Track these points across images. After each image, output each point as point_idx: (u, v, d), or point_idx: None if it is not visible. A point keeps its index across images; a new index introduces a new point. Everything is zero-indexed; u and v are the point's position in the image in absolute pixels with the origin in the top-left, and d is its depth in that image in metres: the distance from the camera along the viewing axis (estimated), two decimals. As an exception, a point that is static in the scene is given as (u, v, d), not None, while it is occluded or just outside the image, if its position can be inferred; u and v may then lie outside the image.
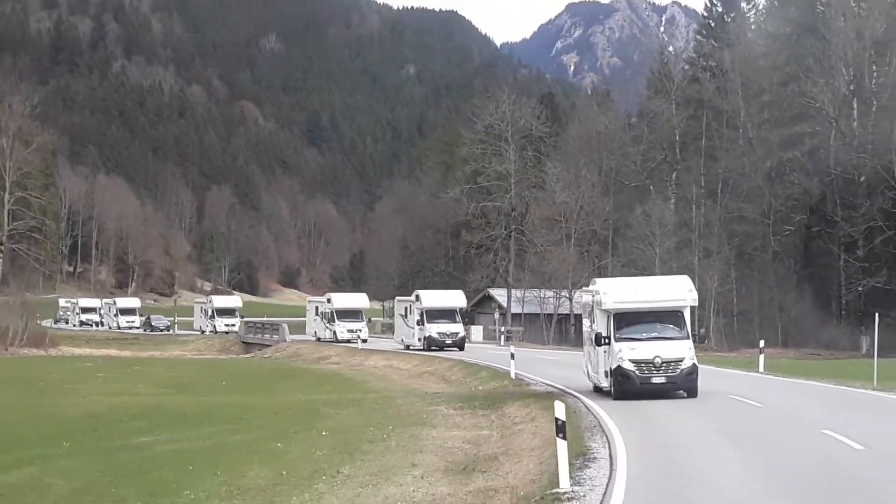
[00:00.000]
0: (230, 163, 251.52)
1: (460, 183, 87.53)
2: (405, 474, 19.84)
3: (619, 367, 27.32)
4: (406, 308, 59.98)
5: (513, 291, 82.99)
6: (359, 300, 71.49)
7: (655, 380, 27.23)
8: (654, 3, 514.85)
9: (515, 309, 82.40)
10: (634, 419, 23.52)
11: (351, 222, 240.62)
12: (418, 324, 57.55)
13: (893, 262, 67.18)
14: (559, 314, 77.91)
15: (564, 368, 40.34)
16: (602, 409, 24.97)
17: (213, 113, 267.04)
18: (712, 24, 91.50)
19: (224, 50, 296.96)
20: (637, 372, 27.20)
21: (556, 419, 16.40)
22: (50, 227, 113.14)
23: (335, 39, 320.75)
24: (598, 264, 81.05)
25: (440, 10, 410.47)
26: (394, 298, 68.19)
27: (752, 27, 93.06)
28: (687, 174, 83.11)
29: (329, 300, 69.95)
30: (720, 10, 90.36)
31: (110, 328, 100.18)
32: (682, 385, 27.53)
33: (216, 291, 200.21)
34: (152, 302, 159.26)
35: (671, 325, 28.48)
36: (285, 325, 74.29)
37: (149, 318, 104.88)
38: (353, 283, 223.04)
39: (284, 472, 20.01)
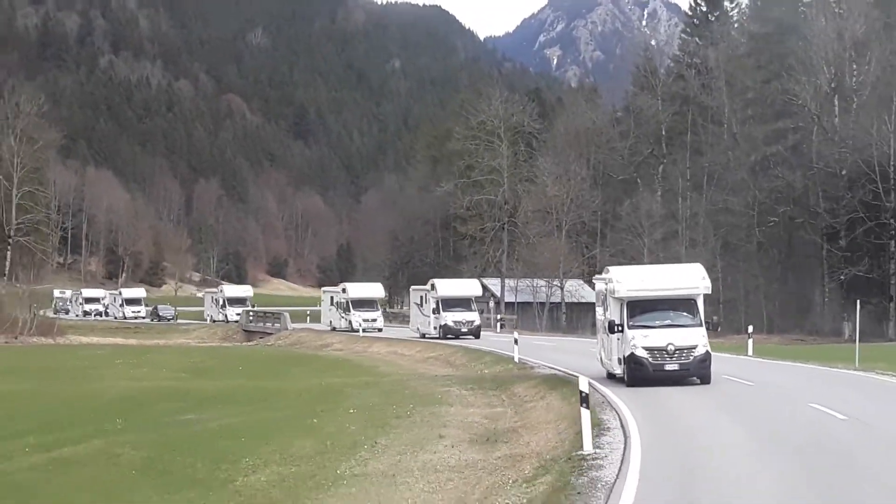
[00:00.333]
0: (218, 156, 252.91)
1: (454, 177, 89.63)
2: (436, 444, 22.04)
3: (632, 354, 27.50)
4: (421, 297, 60.06)
5: (506, 281, 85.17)
6: (374, 290, 71.13)
7: (668, 367, 27.41)
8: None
9: (508, 298, 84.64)
10: (639, 396, 25.63)
11: (338, 214, 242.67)
12: (434, 312, 57.42)
13: (874, 251, 69.44)
14: (551, 302, 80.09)
15: (564, 354, 42.61)
16: (607, 389, 27.09)
17: (200, 107, 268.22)
18: (696, 23, 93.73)
19: (211, 45, 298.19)
20: (650, 359, 27.37)
21: (581, 391, 18.50)
22: (54, 221, 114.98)
23: (320, 34, 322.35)
24: (588, 255, 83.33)
25: (424, 4, 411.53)
26: (409, 288, 68.34)
27: (736, 26, 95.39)
28: (673, 167, 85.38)
29: (344, 290, 69.85)
30: (704, 9, 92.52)
31: (116, 318, 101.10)
32: (695, 372, 27.70)
33: (205, 282, 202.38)
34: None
35: (684, 313, 28.59)
36: (287, 314, 76.06)
37: (156, 308, 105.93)
38: (340, 274, 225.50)
39: (328, 443, 22.19)
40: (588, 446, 17.83)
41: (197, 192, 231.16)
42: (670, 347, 27.40)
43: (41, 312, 77.08)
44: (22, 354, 56.17)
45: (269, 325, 75.93)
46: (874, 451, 17.34)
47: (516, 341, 40.56)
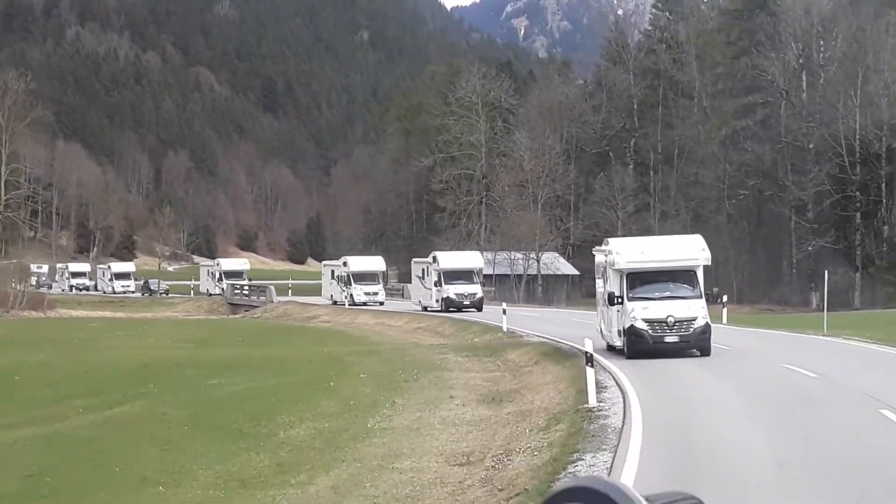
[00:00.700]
0: (186, 129, 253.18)
1: (430, 152, 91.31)
2: (448, 403, 24.24)
3: (632, 326, 27.35)
4: (423, 269, 59.68)
5: (484, 254, 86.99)
6: (375, 263, 70.71)
7: (668, 339, 27.33)
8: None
9: (486, 270, 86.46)
10: (618, 352, 28.01)
11: (307, 187, 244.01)
12: (436, 285, 56.90)
13: (840, 223, 72.00)
14: (528, 275, 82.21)
15: (547, 324, 44.70)
16: (598, 354, 29.26)
17: (168, 79, 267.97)
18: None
19: (178, 17, 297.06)
20: (650, 331, 27.26)
21: (586, 353, 20.73)
22: (45, 196, 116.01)
23: (288, 5, 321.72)
24: (562, 227, 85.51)
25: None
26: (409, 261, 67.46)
27: (705, 0, 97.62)
28: (645, 141, 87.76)
29: (345, 263, 69.03)
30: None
31: (105, 292, 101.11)
32: (695, 344, 27.66)
33: (175, 256, 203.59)
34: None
35: (684, 285, 28.49)
36: (272, 287, 77.54)
37: (146, 282, 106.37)
38: (310, 248, 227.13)
39: (351, 402, 24.37)
40: (593, 400, 20.05)
41: (166, 166, 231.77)
42: (670, 319, 27.31)
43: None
44: (19, 327, 57.79)
45: (254, 297, 77.39)
46: (836, 398, 19.96)
47: (504, 311, 42.44)
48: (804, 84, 75.65)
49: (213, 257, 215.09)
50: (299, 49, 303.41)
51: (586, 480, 1.71)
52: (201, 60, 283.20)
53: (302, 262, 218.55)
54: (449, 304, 55.91)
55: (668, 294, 28.15)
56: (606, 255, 29.32)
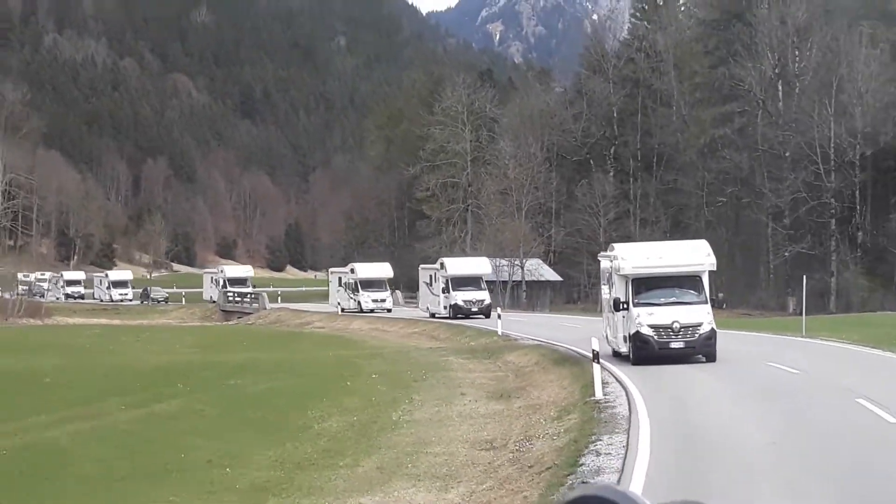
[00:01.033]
0: (165, 135, 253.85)
1: (414, 160, 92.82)
2: (461, 399, 26.26)
3: (637, 332, 27.25)
4: (431, 276, 59.34)
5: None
6: (383, 270, 69.87)
7: (674, 345, 27.28)
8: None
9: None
10: (623, 358, 29.95)
11: (286, 194, 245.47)
12: (443, 292, 56.60)
13: (816, 229, 73.98)
14: (513, 281, 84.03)
15: (538, 328, 46.63)
16: (602, 359, 31.23)
17: (146, 86, 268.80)
18: (646, 7, 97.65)
19: (155, 23, 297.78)
20: (656, 337, 27.21)
21: (593, 350, 22.79)
22: (40, 207, 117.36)
23: (265, 12, 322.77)
24: (545, 234, 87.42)
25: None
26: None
27: (683, 9, 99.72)
28: (624, 149, 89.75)
29: (353, 270, 68.69)
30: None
31: (101, 301, 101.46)
32: (701, 350, 27.55)
33: (155, 264, 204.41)
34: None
35: (689, 290, 28.41)
36: (265, 294, 79.09)
37: (146, 290, 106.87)
38: (289, 255, 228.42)
39: (372, 399, 26.35)
40: (599, 394, 22.11)
41: (145, 173, 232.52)
42: (676, 325, 27.27)
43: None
44: (20, 334, 59.29)
45: (247, 304, 78.72)
46: (817, 390, 22.27)
47: (500, 316, 44.54)
48: (780, 93, 77.70)
49: (192, 265, 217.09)
50: (277, 55, 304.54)
51: (597, 489, 1.75)
52: (179, 67, 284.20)
53: (281, 270, 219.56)
54: (457, 311, 55.65)
55: (673, 300, 28.12)
56: (612, 261, 29.25)
